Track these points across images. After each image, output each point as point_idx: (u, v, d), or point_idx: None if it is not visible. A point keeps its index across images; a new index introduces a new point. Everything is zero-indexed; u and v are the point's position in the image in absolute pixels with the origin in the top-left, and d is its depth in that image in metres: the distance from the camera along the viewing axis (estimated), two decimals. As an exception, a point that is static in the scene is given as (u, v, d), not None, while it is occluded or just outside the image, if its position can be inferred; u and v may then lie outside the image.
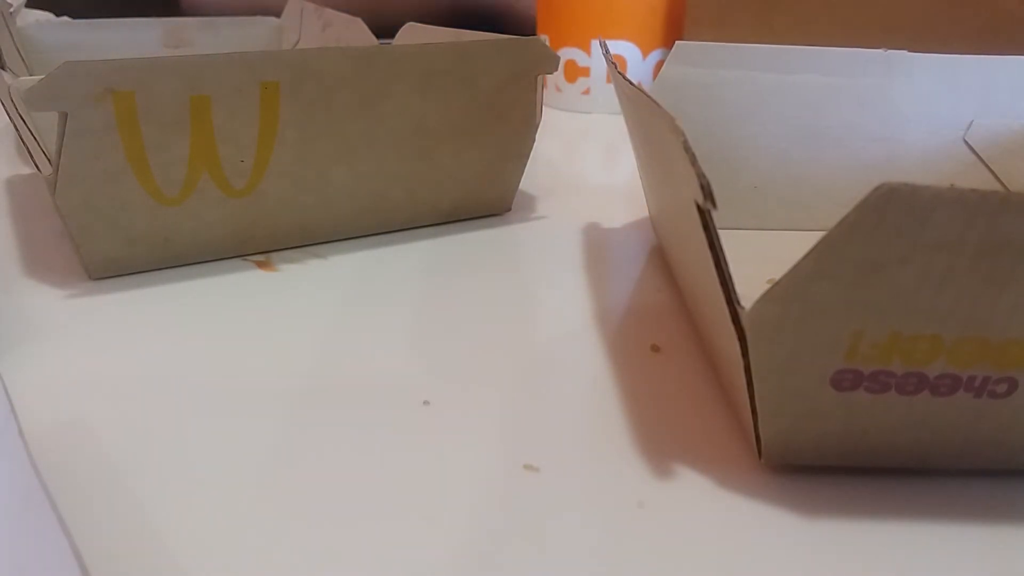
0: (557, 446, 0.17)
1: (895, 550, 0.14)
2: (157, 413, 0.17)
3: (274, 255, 0.26)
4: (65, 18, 0.46)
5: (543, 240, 0.28)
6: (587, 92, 0.48)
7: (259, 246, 0.26)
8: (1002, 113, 0.27)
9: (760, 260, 0.24)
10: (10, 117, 0.26)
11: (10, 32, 0.38)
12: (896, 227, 0.12)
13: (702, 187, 0.14)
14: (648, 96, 0.17)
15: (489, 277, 0.25)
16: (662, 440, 0.17)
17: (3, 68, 0.27)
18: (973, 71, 0.27)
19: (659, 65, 0.47)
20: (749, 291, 0.14)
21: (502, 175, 0.29)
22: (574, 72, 0.48)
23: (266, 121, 0.23)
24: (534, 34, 0.28)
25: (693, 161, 0.14)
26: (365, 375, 0.19)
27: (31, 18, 0.44)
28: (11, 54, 0.35)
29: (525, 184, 0.32)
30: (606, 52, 0.24)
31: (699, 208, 0.15)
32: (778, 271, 0.13)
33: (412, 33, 0.34)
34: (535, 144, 0.29)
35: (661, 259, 0.26)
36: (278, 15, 0.47)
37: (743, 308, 0.14)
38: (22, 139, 0.25)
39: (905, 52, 0.27)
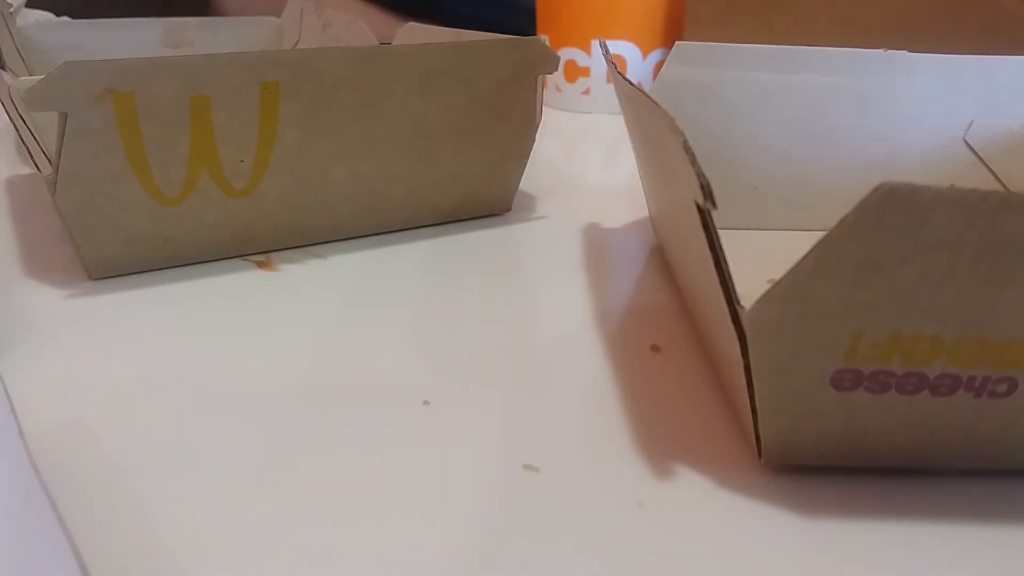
0: (557, 446, 0.17)
1: (895, 550, 0.14)
2: (157, 413, 0.17)
3: (274, 255, 0.26)
4: (65, 18, 0.46)
5: (543, 240, 0.28)
6: (587, 92, 0.48)
7: (259, 246, 0.26)
8: (1002, 113, 0.27)
9: (760, 260, 0.24)
10: (10, 117, 0.26)
11: (10, 32, 0.38)
12: (896, 227, 0.12)
13: (702, 187, 0.14)
14: (648, 96, 0.17)
15: (489, 277, 0.25)
16: (662, 440, 0.17)
17: (3, 68, 0.27)
18: (973, 71, 0.27)
19: (659, 65, 0.47)
20: (749, 291, 0.14)
21: (502, 175, 0.29)
22: (574, 72, 0.48)
23: (266, 121, 0.23)
24: (534, 34, 0.28)
25: (693, 161, 0.14)
26: (365, 375, 0.19)
27: (31, 18, 0.44)
28: (11, 54, 0.35)
29: (525, 184, 0.32)
30: (606, 52, 0.24)
31: (699, 208, 0.15)
32: (778, 271, 0.13)
33: (412, 33, 0.34)
34: (535, 144, 0.29)
35: (661, 259, 0.26)
36: None
37: (743, 308, 0.14)
38: (22, 139, 0.25)
39: (905, 52, 0.27)
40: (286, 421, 0.17)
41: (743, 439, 0.17)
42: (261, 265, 0.25)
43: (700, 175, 0.14)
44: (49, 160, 0.22)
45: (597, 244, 0.27)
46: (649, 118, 0.18)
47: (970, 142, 0.27)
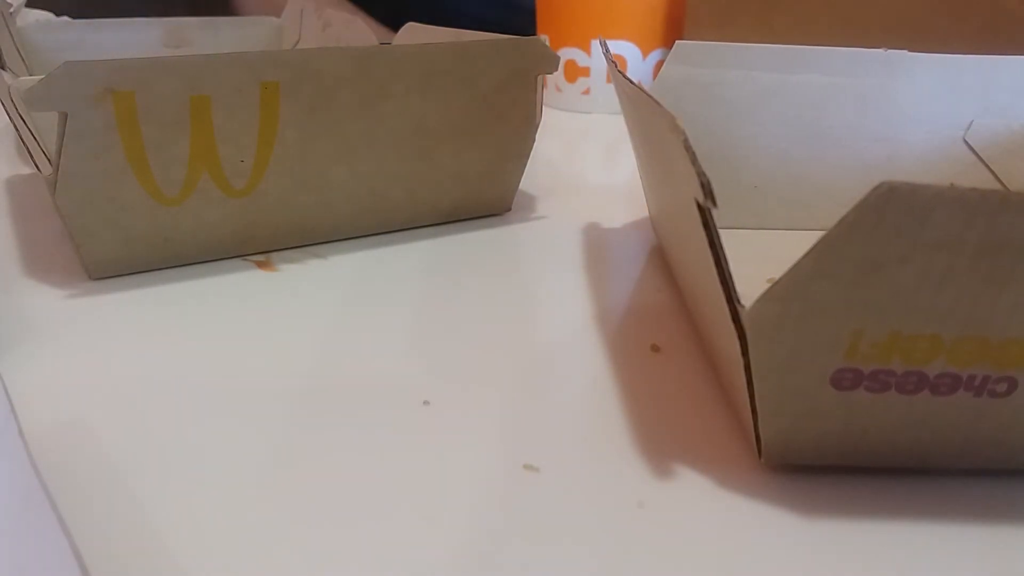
0: (557, 446, 0.17)
1: (895, 550, 0.14)
2: (157, 413, 0.17)
3: (274, 255, 0.26)
4: (65, 18, 0.46)
5: (543, 240, 0.28)
6: (587, 92, 0.48)
7: (259, 246, 0.26)
8: (1002, 113, 0.27)
9: (760, 259, 0.24)
10: (10, 117, 0.26)
11: (10, 32, 0.38)
12: (896, 226, 0.12)
13: (703, 186, 0.14)
14: (648, 95, 0.17)
15: (489, 277, 0.25)
16: (662, 440, 0.17)
17: (3, 68, 0.27)
18: (973, 71, 0.27)
19: (659, 65, 0.47)
20: (749, 290, 0.14)
21: (502, 175, 0.29)
22: (574, 72, 0.48)
23: (266, 121, 0.23)
24: (534, 34, 0.28)
25: (693, 160, 0.14)
26: (365, 375, 0.19)
27: (31, 18, 0.44)
28: (11, 54, 0.35)
29: (525, 184, 0.32)
30: (606, 51, 0.24)
31: (699, 207, 0.15)
32: (778, 270, 0.13)
33: (412, 33, 0.34)
34: (535, 144, 0.29)
35: (661, 259, 0.26)
36: None
37: (743, 307, 0.14)
38: (22, 139, 0.25)
39: (905, 52, 0.27)
40: (286, 421, 0.17)
41: (743, 439, 0.17)
42: (261, 265, 0.25)
43: (701, 174, 0.14)
44: (49, 160, 0.22)
45: (597, 244, 0.27)
46: (649, 117, 0.18)
47: (970, 142, 0.27)
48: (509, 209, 0.30)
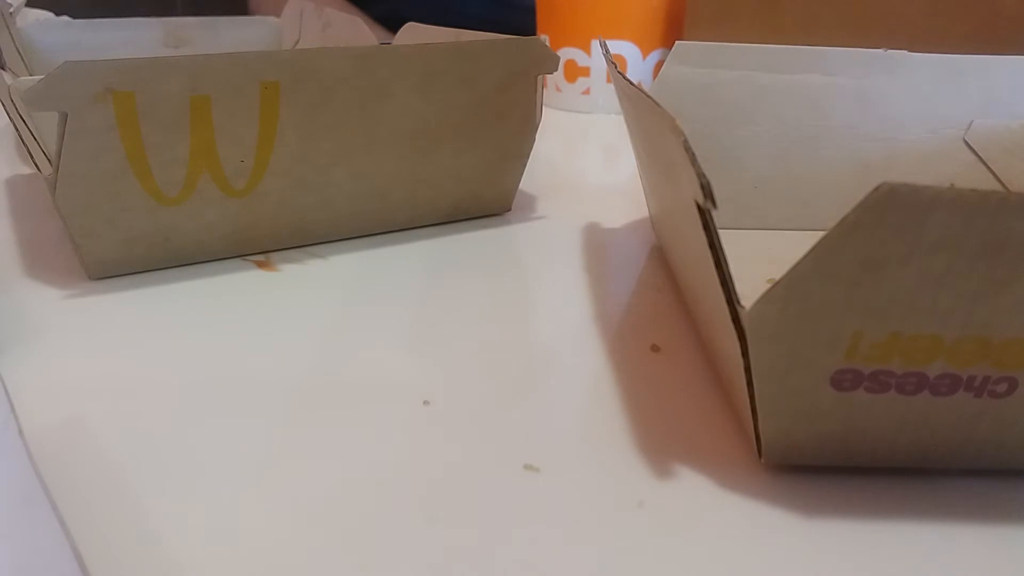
0: (557, 446, 0.17)
1: (895, 550, 0.14)
2: (157, 413, 0.17)
3: (274, 255, 0.26)
4: (65, 18, 0.46)
5: (543, 240, 0.28)
6: (587, 92, 0.48)
7: (259, 246, 0.26)
8: (1002, 113, 0.27)
9: (760, 260, 0.24)
10: (10, 117, 0.26)
11: (10, 32, 0.38)
12: (896, 227, 0.12)
13: (702, 186, 0.14)
14: (648, 96, 0.17)
15: (489, 277, 0.25)
16: (662, 440, 0.17)
17: (3, 68, 0.27)
18: (973, 71, 0.27)
19: (659, 65, 0.47)
20: (749, 290, 0.14)
21: (502, 175, 0.29)
22: (574, 72, 0.48)
23: (266, 121, 0.23)
24: (534, 34, 0.28)
25: (693, 161, 0.14)
26: (365, 375, 0.19)
27: (31, 18, 0.44)
28: (11, 54, 0.35)
29: (525, 184, 0.32)
30: (606, 52, 0.24)
31: (699, 207, 0.15)
32: (778, 271, 0.13)
33: (412, 33, 0.34)
34: (535, 144, 0.29)
35: (661, 259, 0.26)
36: None
37: (743, 307, 0.14)
38: (22, 139, 0.25)
39: (905, 52, 0.27)
40: (286, 421, 0.17)
41: (743, 439, 0.17)
42: (261, 265, 0.25)
43: (700, 175, 0.14)
44: (49, 160, 0.22)
45: (597, 244, 0.27)
46: (649, 118, 0.18)
47: (970, 142, 0.27)
48: (509, 209, 0.30)
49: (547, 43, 0.27)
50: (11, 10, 0.40)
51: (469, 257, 0.26)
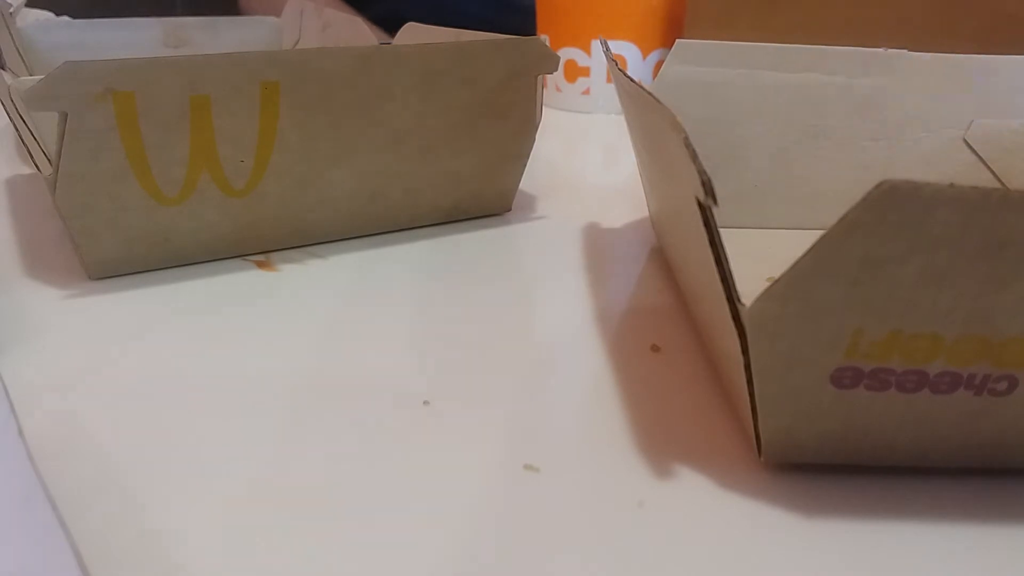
0: (557, 446, 0.17)
1: (895, 549, 0.14)
2: (157, 413, 0.17)
3: (274, 255, 0.26)
4: (65, 18, 0.46)
5: (543, 240, 0.28)
6: (587, 92, 0.48)
7: (259, 246, 0.26)
8: (1002, 113, 0.27)
9: (760, 258, 0.24)
10: (10, 117, 0.26)
11: (10, 32, 0.38)
12: (896, 225, 0.12)
13: (703, 184, 0.14)
14: (649, 93, 0.17)
15: (489, 277, 0.25)
16: (662, 440, 0.17)
17: (3, 68, 0.27)
18: (973, 71, 0.27)
19: (659, 65, 0.47)
20: (749, 289, 0.14)
21: (502, 175, 0.29)
22: (574, 72, 0.48)
23: (266, 121, 0.23)
24: (534, 34, 0.28)
25: (694, 157, 0.14)
26: (365, 375, 0.19)
27: (31, 18, 0.44)
28: (11, 54, 0.35)
29: (525, 184, 0.32)
30: (607, 50, 0.24)
31: (700, 205, 0.15)
32: (778, 269, 0.13)
33: (412, 33, 0.34)
34: (535, 144, 0.29)
35: (661, 259, 0.26)
36: None
37: (743, 305, 0.14)
38: (22, 139, 0.25)
39: (905, 52, 0.27)
40: (286, 421, 0.17)
41: (743, 439, 0.17)
42: (261, 265, 0.25)
43: (701, 172, 0.14)
44: (49, 160, 0.22)
45: (597, 244, 0.27)
46: (650, 115, 0.18)
47: (970, 142, 0.27)
48: (509, 209, 0.30)
49: (547, 43, 0.27)
50: (11, 10, 0.40)
51: (469, 257, 0.26)
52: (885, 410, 0.14)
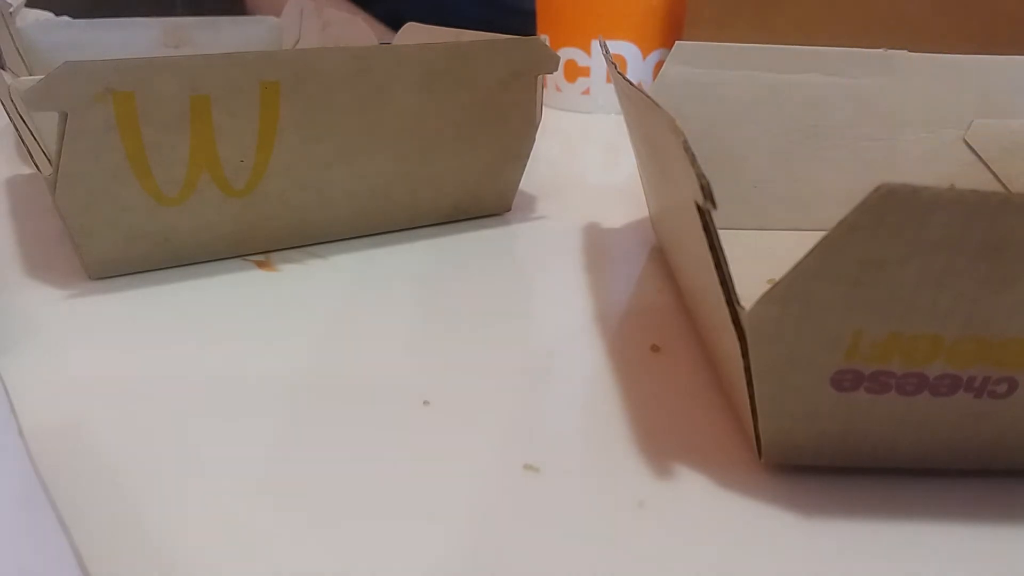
0: (557, 446, 0.17)
1: (895, 550, 0.14)
2: (157, 413, 0.17)
3: (274, 255, 0.26)
4: (65, 18, 0.46)
5: (543, 240, 0.28)
6: (587, 92, 0.48)
7: (259, 246, 0.26)
8: (1002, 113, 0.27)
9: (760, 260, 0.24)
10: (10, 117, 0.26)
11: (10, 32, 0.38)
12: (896, 227, 0.12)
13: (702, 187, 0.14)
14: (648, 97, 0.17)
15: (489, 277, 0.25)
16: (662, 440, 0.17)
17: (3, 68, 0.27)
18: (973, 71, 0.27)
19: (659, 65, 0.47)
20: (749, 291, 0.14)
21: (502, 175, 0.29)
22: (574, 72, 0.48)
23: (266, 121, 0.23)
24: (534, 34, 0.28)
25: (693, 161, 0.14)
26: (365, 375, 0.19)
27: (31, 18, 0.44)
28: (11, 54, 0.35)
29: (525, 184, 0.32)
30: (606, 52, 0.24)
31: (699, 208, 0.15)
32: (778, 271, 0.13)
33: (412, 33, 0.34)
34: (535, 144, 0.29)
35: (661, 259, 0.26)
36: None
37: (743, 308, 0.14)
38: (22, 139, 0.25)
39: (905, 52, 0.27)
40: (285, 421, 0.17)
41: (743, 439, 0.17)
42: (261, 265, 0.25)
43: (700, 175, 0.14)
44: (49, 160, 0.22)
45: (597, 244, 0.27)
46: (649, 118, 0.18)
47: (970, 142, 0.27)
48: (509, 209, 0.30)
49: (547, 43, 0.27)
50: (11, 10, 0.40)
51: (469, 257, 0.26)
52: (885, 413, 0.14)
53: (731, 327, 0.15)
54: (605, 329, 0.22)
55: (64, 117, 0.20)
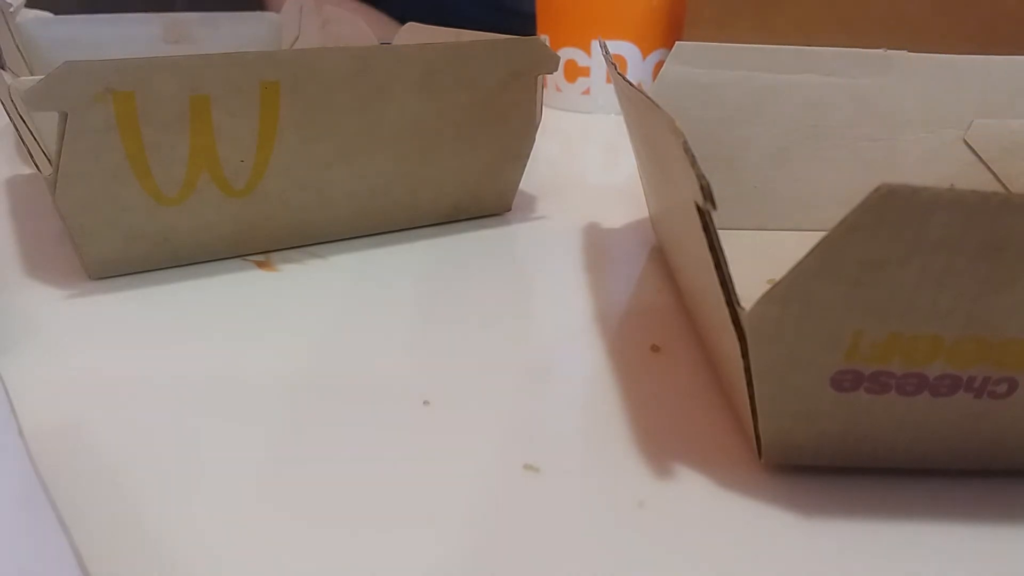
0: (557, 446, 0.17)
1: (895, 550, 0.14)
2: (157, 413, 0.17)
3: (274, 255, 0.26)
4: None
5: (543, 240, 0.28)
6: (587, 92, 0.48)
7: (259, 246, 0.26)
8: (1002, 113, 0.27)
9: (760, 260, 0.24)
10: (10, 117, 0.26)
11: (10, 31, 0.38)
12: (896, 228, 0.12)
13: (702, 188, 0.14)
14: (648, 97, 0.17)
15: (489, 277, 0.25)
16: (662, 440, 0.17)
17: (3, 68, 0.27)
18: (973, 71, 0.27)
19: (659, 65, 0.47)
20: (749, 291, 0.14)
21: (502, 175, 0.29)
22: (574, 72, 0.48)
23: (266, 121, 0.23)
24: (534, 34, 0.28)
25: (693, 162, 0.14)
26: (365, 375, 0.19)
27: (31, 17, 0.44)
28: (11, 54, 0.35)
29: (525, 184, 0.32)
30: (606, 52, 0.24)
31: (699, 209, 0.15)
32: (778, 271, 0.13)
33: (412, 33, 0.34)
34: (535, 144, 0.29)
35: (661, 259, 0.26)
36: None
37: (743, 308, 0.14)
38: (22, 139, 0.25)
39: (905, 52, 0.27)
40: (285, 421, 0.17)
41: (743, 439, 0.17)
42: (261, 265, 0.25)
43: (700, 176, 0.14)
44: (49, 160, 0.22)
45: (597, 244, 0.27)
46: (649, 119, 0.18)
47: (970, 142, 0.27)
48: (509, 209, 0.30)
49: (547, 43, 0.27)
50: (11, 10, 0.40)
51: (469, 257, 0.26)
52: (885, 413, 0.14)
53: (731, 327, 0.15)
54: (605, 329, 0.22)
55: (64, 117, 0.20)
